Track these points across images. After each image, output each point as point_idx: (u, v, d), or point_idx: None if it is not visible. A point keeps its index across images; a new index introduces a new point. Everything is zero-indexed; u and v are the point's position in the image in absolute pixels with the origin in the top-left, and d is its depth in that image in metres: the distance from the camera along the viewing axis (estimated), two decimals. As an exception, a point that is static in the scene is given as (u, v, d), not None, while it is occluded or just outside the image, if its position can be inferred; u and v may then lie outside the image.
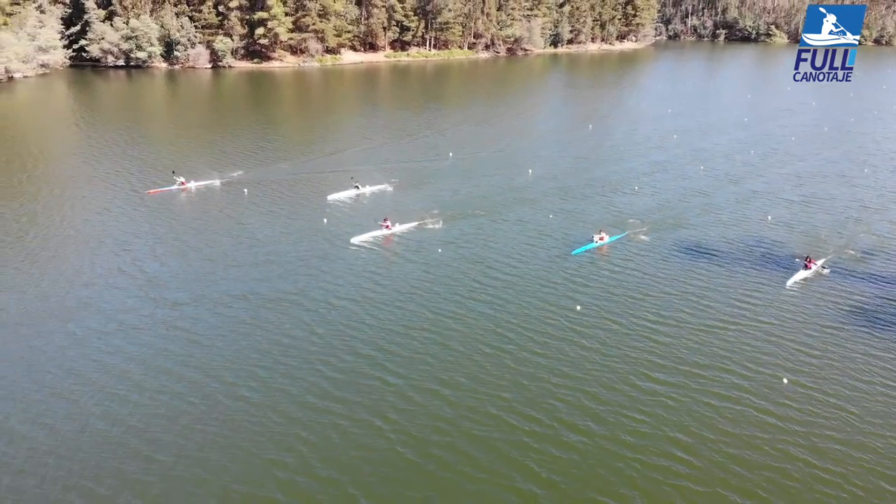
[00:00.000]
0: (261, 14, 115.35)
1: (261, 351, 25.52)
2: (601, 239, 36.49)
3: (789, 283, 32.41)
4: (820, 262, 34.28)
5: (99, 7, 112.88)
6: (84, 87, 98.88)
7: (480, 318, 28.32)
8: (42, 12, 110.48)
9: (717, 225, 41.14)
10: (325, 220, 40.16)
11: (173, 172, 46.82)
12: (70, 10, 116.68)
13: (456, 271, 33.07)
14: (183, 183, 46.10)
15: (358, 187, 45.81)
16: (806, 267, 33.46)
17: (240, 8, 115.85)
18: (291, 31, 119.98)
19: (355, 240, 36.55)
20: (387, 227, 37.53)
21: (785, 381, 23.94)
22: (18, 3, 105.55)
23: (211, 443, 20.27)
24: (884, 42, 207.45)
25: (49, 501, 18.17)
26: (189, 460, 19.57)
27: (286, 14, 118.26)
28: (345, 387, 23.24)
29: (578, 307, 29.46)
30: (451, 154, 57.74)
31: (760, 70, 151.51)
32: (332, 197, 44.80)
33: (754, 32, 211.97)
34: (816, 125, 75.19)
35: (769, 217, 42.76)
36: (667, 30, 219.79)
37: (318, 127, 73.24)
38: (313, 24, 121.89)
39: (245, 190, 46.42)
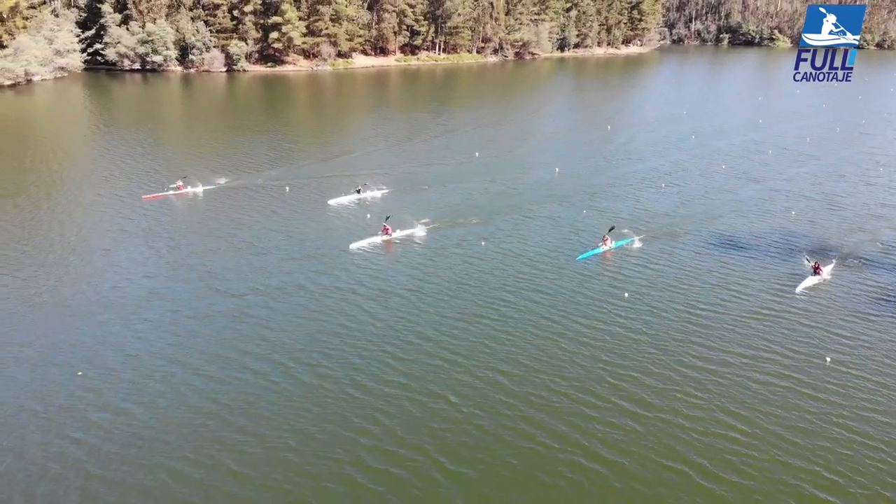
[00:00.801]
0: (275, 18, 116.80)
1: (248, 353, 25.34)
2: (605, 242, 36.16)
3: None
4: (841, 259, 35.19)
5: (115, 11, 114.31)
6: (102, 89, 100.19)
7: (498, 325, 27.80)
8: (56, 16, 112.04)
9: (744, 220, 42.32)
10: (367, 216, 41.13)
11: (185, 178, 46.48)
12: (85, 15, 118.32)
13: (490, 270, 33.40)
14: (180, 187, 45.49)
15: (359, 191, 45.33)
16: (815, 271, 32.68)
17: (254, 12, 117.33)
18: (305, 35, 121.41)
19: (354, 245, 35.93)
20: (387, 232, 36.92)
21: (828, 359, 25.18)
22: (35, 7, 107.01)
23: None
24: (886, 46, 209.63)
25: (144, 468, 19.31)
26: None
27: (300, 18, 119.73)
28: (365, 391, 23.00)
29: (626, 294, 30.69)
30: (477, 154, 58.94)
31: (766, 73, 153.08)
32: (334, 201, 44.36)
33: (757, 37, 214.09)
34: (829, 126, 76.48)
35: (793, 212, 44.08)
36: (671, 34, 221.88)
37: (334, 129, 74.40)
38: (326, 28, 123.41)
39: (287, 187, 46.92)
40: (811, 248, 36.63)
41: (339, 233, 38.56)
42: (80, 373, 23.74)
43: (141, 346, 25.78)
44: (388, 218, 37.82)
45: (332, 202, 44.22)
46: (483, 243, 36.99)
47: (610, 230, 36.97)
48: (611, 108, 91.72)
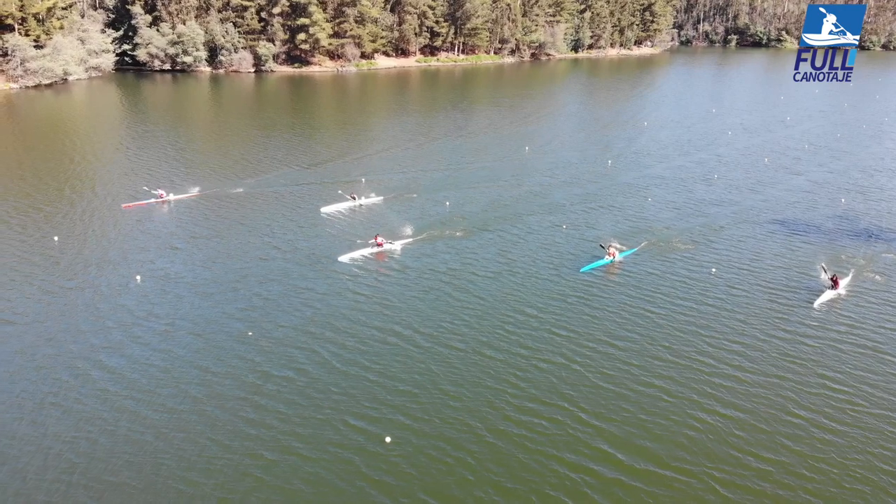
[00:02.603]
0: (302, 20, 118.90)
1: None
2: (611, 253, 33.95)
3: (835, 291, 30.29)
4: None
5: (145, 13, 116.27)
6: (137, 89, 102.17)
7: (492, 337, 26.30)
8: (82, 17, 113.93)
9: (797, 207, 44.54)
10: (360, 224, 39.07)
11: (146, 188, 44.57)
12: (112, 16, 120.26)
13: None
14: (161, 195, 43.38)
15: (354, 198, 43.18)
16: (834, 284, 30.47)
17: (282, 14, 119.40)
18: (331, 36, 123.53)
19: (343, 258, 33.91)
20: (379, 244, 34.76)
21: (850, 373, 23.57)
22: (66, 9, 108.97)
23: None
24: (892, 47, 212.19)
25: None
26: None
27: (326, 20, 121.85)
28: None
29: (714, 270, 32.56)
30: (527, 148, 61.20)
31: (779, 74, 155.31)
32: (327, 208, 42.40)
33: (765, 38, 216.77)
34: (855, 124, 78.78)
35: (843, 200, 46.36)
36: (679, 35, 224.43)
37: (371, 128, 76.58)
38: (351, 29, 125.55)
39: (415, 194, 45.44)
40: (828, 259, 34.24)
41: (330, 243, 36.52)
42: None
43: (123, 359, 24.41)
44: (376, 236, 35.28)
45: (324, 210, 42.03)
46: (478, 255, 34.76)
47: (608, 246, 34.47)
48: (643, 106, 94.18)
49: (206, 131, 72.88)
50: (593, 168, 54.98)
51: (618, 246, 34.93)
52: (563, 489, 18.19)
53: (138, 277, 31.37)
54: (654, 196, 46.70)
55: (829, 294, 29.95)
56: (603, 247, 34.34)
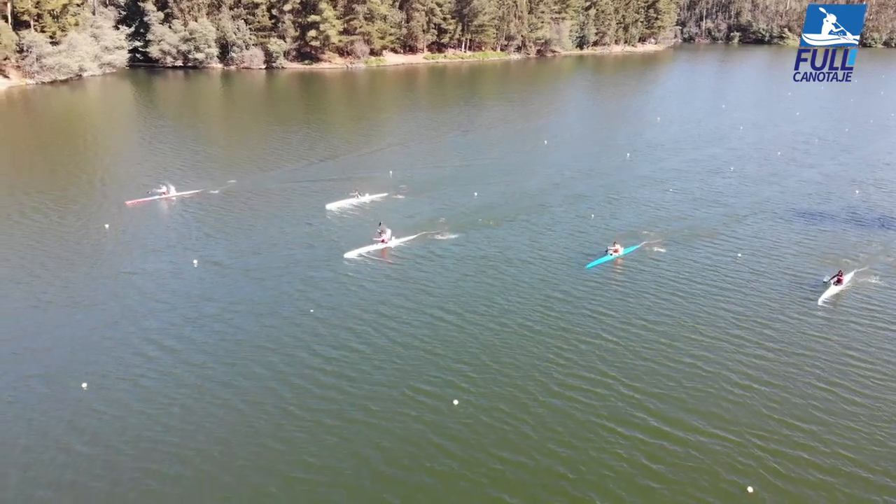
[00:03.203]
0: (313, 17, 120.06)
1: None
2: (614, 249, 34.04)
3: (838, 287, 30.53)
4: None
5: (157, 10, 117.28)
6: (151, 85, 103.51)
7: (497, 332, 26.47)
8: (93, 13, 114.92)
9: (813, 198, 45.97)
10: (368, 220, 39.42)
11: (151, 187, 44.31)
12: (124, 13, 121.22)
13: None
14: (164, 192, 43.44)
15: (357, 195, 43.24)
16: (838, 280, 30.61)
17: (293, 11, 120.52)
18: (341, 33, 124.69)
19: (349, 254, 33.86)
20: (382, 240, 34.66)
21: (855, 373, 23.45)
22: (80, 6, 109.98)
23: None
24: (893, 45, 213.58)
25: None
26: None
27: (336, 17, 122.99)
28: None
29: (739, 254, 33.70)
30: (545, 142, 62.59)
31: (783, 71, 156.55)
32: (332, 205, 42.43)
33: (767, 35, 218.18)
34: (862, 119, 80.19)
35: (857, 191, 47.78)
36: (682, 32, 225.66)
37: (387, 124, 77.89)
38: (360, 26, 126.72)
39: (476, 193, 45.15)
40: (833, 256, 34.64)
41: (335, 239, 36.67)
42: (84, 384, 22.60)
43: (131, 354, 24.71)
44: (380, 224, 35.50)
45: (330, 206, 42.05)
46: (488, 248, 35.36)
47: (614, 243, 34.55)
48: (652, 102, 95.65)
49: (223, 127, 74.21)
50: (612, 160, 56.38)
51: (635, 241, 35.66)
52: (612, 453, 19.62)
53: (195, 262, 32.78)
54: (674, 187, 48.09)
55: (833, 289, 30.23)
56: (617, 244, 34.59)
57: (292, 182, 48.20)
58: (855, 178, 52.01)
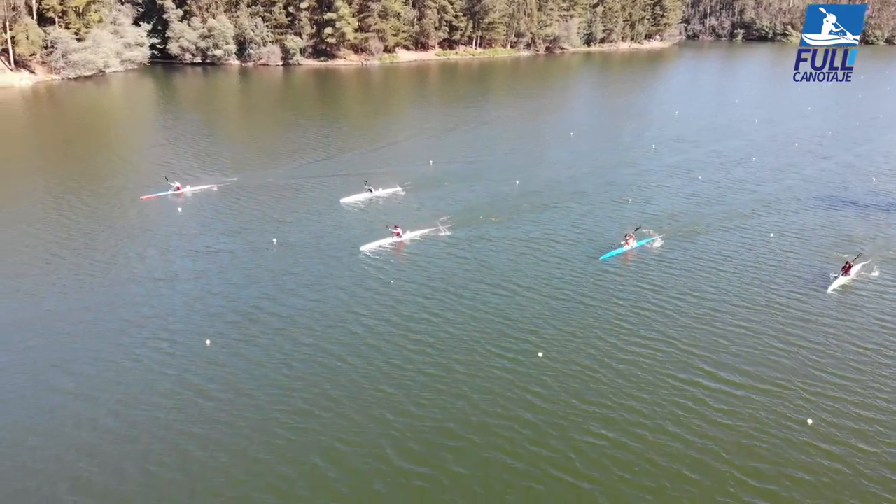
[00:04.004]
0: (329, 14, 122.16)
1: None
2: (628, 242, 34.74)
3: (847, 277, 31.28)
4: None
5: (176, 7, 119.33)
6: (172, 81, 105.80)
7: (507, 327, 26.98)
8: (109, 11, 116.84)
9: (831, 184, 48.38)
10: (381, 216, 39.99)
11: (165, 178, 45.26)
12: (142, 10, 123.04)
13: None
14: (178, 188, 44.03)
15: (371, 190, 43.63)
16: (845, 271, 31.38)
17: (309, 9, 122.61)
18: (356, 31, 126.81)
19: (365, 247, 34.55)
20: (397, 234, 35.45)
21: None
22: (99, 2, 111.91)
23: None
24: (895, 42, 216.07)
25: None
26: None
27: (352, 15, 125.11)
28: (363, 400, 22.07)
29: (771, 234, 36.02)
30: (571, 134, 64.93)
31: (788, 68, 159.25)
32: (346, 199, 43.00)
33: (771, 32, 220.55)
34: (870, 114, 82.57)
35: (874, 180, 50.16)
36: (686, 30, 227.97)
37: (411, 118, 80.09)
38: (375, 24, 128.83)
39: (517, 181, 46.44)
40: (842, 246, 35.65)
41: (351, 232, 37.45)
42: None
43: (242, 318, 26.89)
44: (396, 226, 35.95)
45: (344, 200, 42.77)
46: (501, 244, 35.87)
47: (636, 229, 35.72)
48: (668, 97, 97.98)
49: (241, 122, 76.37)
50: (638, 151, 58.78)
51: (645, 231, 36.34)
52: (684, 399, 22.02)
53: (275, 240, 35.27)
54: (702, 176, 50.45)
55: (842, 279, 31.09)
56: (642, 228, 36.14)
57: (333, 174, 50.47)
58: (870, 168, 54.33)
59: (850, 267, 31.59)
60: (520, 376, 23.16)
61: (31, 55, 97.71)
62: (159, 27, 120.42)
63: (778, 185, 48.36)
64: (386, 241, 35.39)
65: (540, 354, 24.20)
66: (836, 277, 31.18)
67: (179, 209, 41.60)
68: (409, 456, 19.34)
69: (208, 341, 25.10)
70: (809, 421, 20.86)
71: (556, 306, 28.46)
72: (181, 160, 54.07)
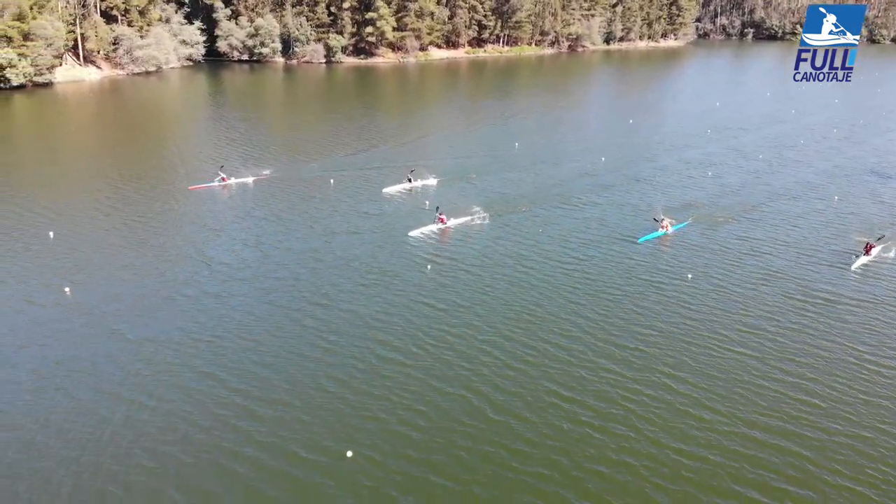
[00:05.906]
0: (370, 14, 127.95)
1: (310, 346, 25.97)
2: (664, 225, 36.77)
3: (867, 257, 33.55)
4: None
5: (224, 7, 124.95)
6: (220, 77, 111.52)
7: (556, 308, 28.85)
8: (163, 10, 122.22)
9: (874, 165, 54.37)
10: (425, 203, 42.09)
11: (221, 167, 47.50)
12: (189, 10, 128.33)
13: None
14: (224, 179, 46.06)
15: (410, 180, 45.44)
16: (867, 251, 33.43)
17: (350, 9, 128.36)
18: (394, 30, 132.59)
19: (412, 233, 36.64)
20: (441, 220, 36.93)
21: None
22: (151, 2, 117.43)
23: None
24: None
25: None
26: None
27: (391, 14, 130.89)
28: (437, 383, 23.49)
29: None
30: (631, 121, 71.11)
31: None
32: (388, 189, 45.10)
33: (780, 31, 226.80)
34: (877, 111, 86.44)
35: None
36: (696, 29, 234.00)
37: (460, 110, 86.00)
38: (412, 23, 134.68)
39: (603, 158, 53.28)
40: (863, 228, 37.70)
41: (396, 221, 39.45)
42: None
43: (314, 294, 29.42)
44: (437, 208, 37.89)
45: (386, 190, 44.99)
46: (540, 230, 38.20)
47: (660, 219, 37.41)
48: (701, 91, 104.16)
49: (288, 117, 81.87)
50: (695, 136, 64.96)
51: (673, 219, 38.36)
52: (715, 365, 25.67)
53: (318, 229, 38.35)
54: (762, 156, 56.72)
55: (863, 259, 33.00)
56: (656, 220, 37.66)
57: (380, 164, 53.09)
58: (887, 161, 58.72)
59: (870, 248, 33.40)
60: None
61: (99, 51, 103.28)
62: (205, 26, 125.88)
63: (826, 163, 54.82)
64: (432, 227, 36.99)
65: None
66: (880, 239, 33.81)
67: (227, 198, 43.89)
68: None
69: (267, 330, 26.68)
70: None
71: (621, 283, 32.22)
72: (230, 152, 56.72)
